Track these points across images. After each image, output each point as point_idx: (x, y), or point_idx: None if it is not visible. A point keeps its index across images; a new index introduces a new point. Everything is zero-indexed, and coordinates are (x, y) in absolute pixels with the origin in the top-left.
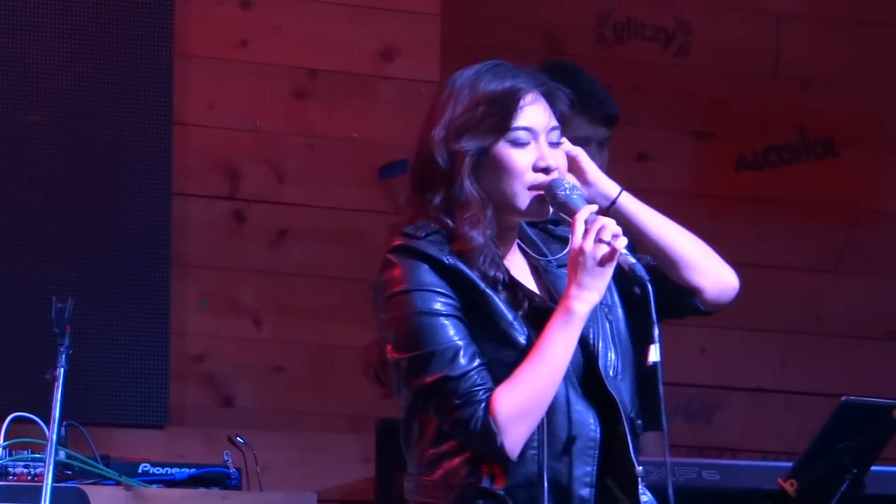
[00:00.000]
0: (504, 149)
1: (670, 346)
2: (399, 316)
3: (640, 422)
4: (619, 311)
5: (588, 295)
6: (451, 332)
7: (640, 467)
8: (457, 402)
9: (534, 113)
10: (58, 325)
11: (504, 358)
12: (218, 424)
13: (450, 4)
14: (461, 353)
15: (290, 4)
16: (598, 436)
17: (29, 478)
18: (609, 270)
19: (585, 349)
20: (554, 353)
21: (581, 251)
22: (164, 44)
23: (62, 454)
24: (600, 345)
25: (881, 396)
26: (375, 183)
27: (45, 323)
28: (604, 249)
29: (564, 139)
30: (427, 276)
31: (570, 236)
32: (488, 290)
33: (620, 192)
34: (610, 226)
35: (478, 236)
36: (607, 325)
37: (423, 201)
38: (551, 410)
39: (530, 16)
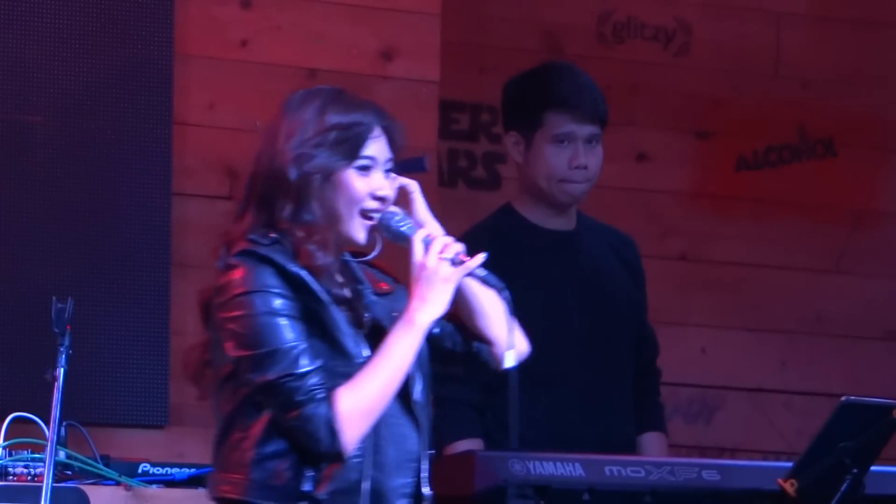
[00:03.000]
0: (349, 175)
1: (670, 346)
2: (242, 315)
3: (431, 451)
4: (424, 344)
5: (430, 308)
6: (294, 332)
7: (429, 490)
8: (298, 398)
9: (378, 145)
10: (58, 325)
11: (338, 367)
12: None
13: (450, 4)
14: (303, 352)
15: (290, 4)
16: (416, 448)
17: (29, 478)
18: (451, 286)
19: None
20: (394, 360)
21: (423, 267)
22: (164, 44)
23: (62, 454)
24: (413, 368)
25: (881, 396)
26: None
27: (45, 323)
28: (447, 266)
29: (400, 178)
30: (269, 278)
31: (413, 257)
32: (328, 302)
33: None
34: (452, 244)
35: (324, 257)
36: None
37: (269, 213)
38: (378, 420)
39: (530, 16)
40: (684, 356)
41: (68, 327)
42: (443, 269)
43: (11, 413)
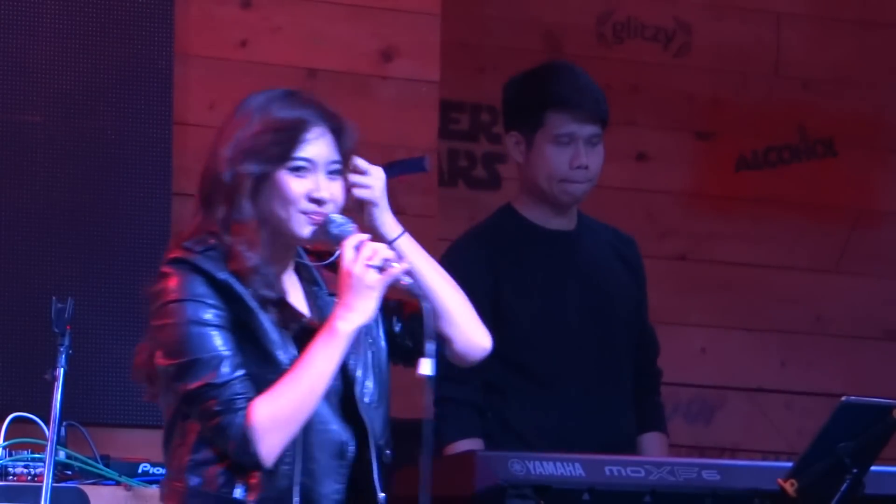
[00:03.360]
0: (283, 176)
1: (670, 346)
2: (170, 324)
3: (388, 451)
4: (383, 344)
5: (353, 315)
6: (218, 341)
7: (383, 494)
8: (217, 408)
9: (316, 147)
10: (58, 325)
11: (267, 375)
12: None
13: (450, 4)
14: (225, 362)
15: (290, 4)
16: (351, 456)
17: (29, 478)
18: (376, 293)
19: (345, 374)
20: (315, 369)
21: (350, 274)
22: (164, 44)
23: (62, 454)
24: (359, 372)
25: (881, 396)
26: None
27: (45, 323)
28: (372, 274)
29: (361, 175)
30: (199, 287)
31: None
32: (256, 309)
33: (401, 234)
34: (381, 251)
35: (252, 257)
36: (370, 354)
37: (206, 216)
38: (307, 427)
39: (530, 16)
40: (684, 356)
41: (68, 327)
42: (368, 276)
43: (11, 413)
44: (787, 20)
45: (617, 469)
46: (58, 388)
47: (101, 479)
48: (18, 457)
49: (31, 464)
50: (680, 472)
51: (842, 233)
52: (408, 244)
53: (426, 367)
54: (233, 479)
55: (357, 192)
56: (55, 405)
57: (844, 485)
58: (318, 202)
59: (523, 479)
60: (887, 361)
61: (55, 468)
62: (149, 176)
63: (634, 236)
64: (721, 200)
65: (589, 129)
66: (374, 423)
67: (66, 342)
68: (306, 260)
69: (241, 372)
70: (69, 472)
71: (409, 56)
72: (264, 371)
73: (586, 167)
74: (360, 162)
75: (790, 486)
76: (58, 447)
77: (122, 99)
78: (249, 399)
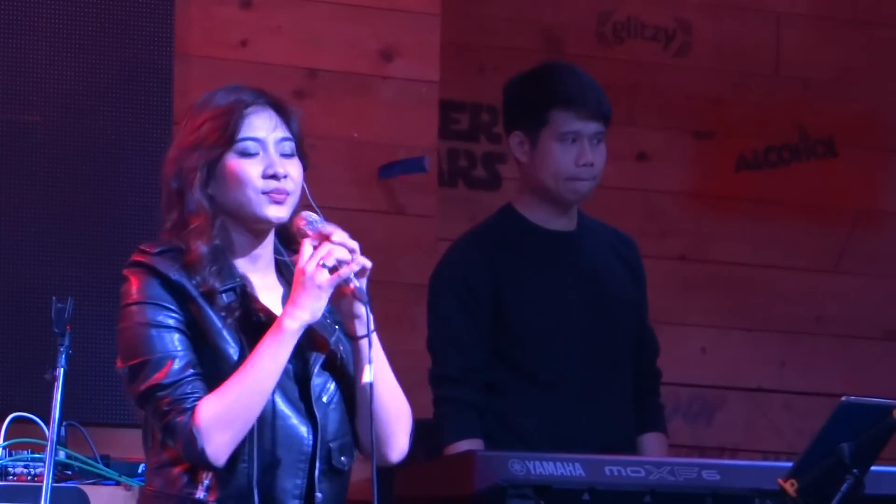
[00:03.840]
0: (232, 160)
1: (670, 346)
2: (125, 327)
3: (343, 458)
4: (345, 345)
5: (300, 313)
6: (169, 342)
7: (319, 494)
8: (166, 408)
9: (259, 122)
10: (58, 325)
11: (222, 370)
12: None
13: (450, 4)
14: (175, 361)
15: (290, 4)
16: (310, 450)
17: (29, 478)
18: (325, 293)
19: (304, 368)
20: (260, 367)
21: (302, 272)
22: (164, 44)
23: (62, 454)
24: (316, 369)
25: (881, 396)
26: (375, 183)
27: (45, 323)
28: (324, 273)
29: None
30: (155, 289)
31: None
32: (205, 306)
33: (371, 332)
34: (335, 252)
35: (202, 246)
36: (339, 353)
37: (165, 221)
38: (261, 424)
39: (530, 16)
40: (684, 356)
41: (68, 327)
42: (319, 276)
43: (11, 413)
44: (787, 20)
45: (617, 469)
46: (58, 388)
47: (101, 479)
48: (18, 457)
49: (30, 464)
50: (680, 472)
51: (842, 233)
52: (375, 343)
53: (368, 374)
54: (194, 479)
55: (348, 274)
56: (55, 405)
57: (844, 485)
58: (274, 177)
59: (523, 479)
60: (887, 361)
61: (55, 468)
62: (149, 176)
63: (634, 236)
64: (721, 200)
65: (593, 127)
66: (327, 420)
67: (66, 342)
68: (286, 257)
69: (190, 371)
70: (69, 472)
71: (409, 56)
72: (219, 367)
73: (592, 164)
74: (344, 237)
75: (790, 486)
76: (58, 447)
77: (122, 99)
78: (198, 398)
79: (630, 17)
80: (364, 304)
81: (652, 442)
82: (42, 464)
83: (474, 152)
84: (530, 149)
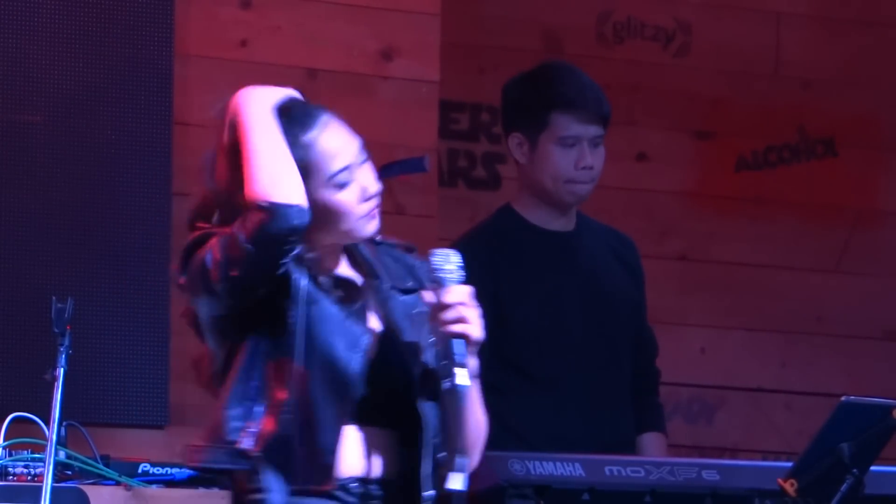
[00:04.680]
0: (332, 197)
1: (670, 346)
2: None
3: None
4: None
5: None
6: None
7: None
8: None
9: (348, 150)
10: (58, 325)
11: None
12: None
13: (450, 4)
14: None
15: (290, 4)
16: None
17: (29, 478)
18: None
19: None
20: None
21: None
22: (164, 44)
23: (62, 454)
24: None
25: (881, 396)
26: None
27: (45, 323)
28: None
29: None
30: None
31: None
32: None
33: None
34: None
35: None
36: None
37: None
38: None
39: (530, 16)
40: (684, 356)
41: (68, 327)
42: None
43: (11, 413)
44: (787, 20)
45: (617, 469)
46: (58, 388)
47: (101, 479)
48: (18, 457)
49: (31, 464)
50: (680, 472)
51: (842, 233)
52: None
53: (456, 481)
54: (239, 430)
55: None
56: (55, 405)
57: (844, 485)
58: (371, 198)
59: (523, 479)
60: (887, 361)
61: (55, 468)
62: (149, 176)
63: (634, 236)
64: (721, 200)
65: (593, 130)
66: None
67: (66, 342)
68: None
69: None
70: (69, 472)
71: (408, 56)
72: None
73: (591, 167)
74: (464, 312)
75: (790, 486)
76: (58, 447)
77: (122, 99)
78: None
79: (630, 18)
80: (452, 362)
81: (651, 442)
82: (42, 464)
83: (474, 152)
84: (529, 151)
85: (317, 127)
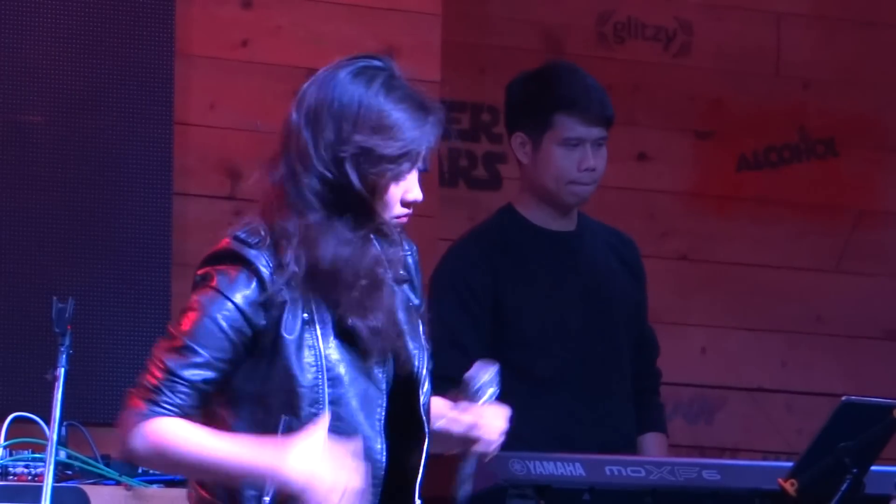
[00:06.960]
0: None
1: (670, 346)
2: None
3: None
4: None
5: (309, 477)
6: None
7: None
8: (150, 386)
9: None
10: (58, 325)
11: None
12: None
13: (450, 4)
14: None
15: (290, 4)
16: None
17: (29, 478)
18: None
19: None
20: (222, 461)
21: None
22: (164, 44)
23: (62, 454)
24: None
25: (881, 396)
26: None
27: (45, 323)
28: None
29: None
30: None
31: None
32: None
33: None
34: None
35: None
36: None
37: None
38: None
39: (530, 16)
40: (684, 356)
41: (69, 327)
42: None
43: (12, 413)
44: (787, 20)
45: (617, 469)
46: (58, 387)
47: (101, 479)
48: (19, 457)
49: (31, 464)
50: (680, 472)
51: (842, 233)
52: None
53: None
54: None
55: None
56: (56, 405)
57: (844, 485)
58: (409, 205)
59: (524, 478)
60: (887, 361)
61: (56, 468)
62: (149, 176)
63: (635, 236)
64: (721, 200)
65: (596, 132)
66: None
67: (67, 342)
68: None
69: (200, 377)
70: (70, 472)
71: (409, 56)
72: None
73: (593, 169)
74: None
75: (790, 486)
76: (58, 447)
77: (122, 99)
78: (177, 408)
79: (630, 18)
80: (463, 474)
81: (652, 442)
82: (43, 463)
83: (475, 152)
84: (532, 151)
85: (420, 117)
